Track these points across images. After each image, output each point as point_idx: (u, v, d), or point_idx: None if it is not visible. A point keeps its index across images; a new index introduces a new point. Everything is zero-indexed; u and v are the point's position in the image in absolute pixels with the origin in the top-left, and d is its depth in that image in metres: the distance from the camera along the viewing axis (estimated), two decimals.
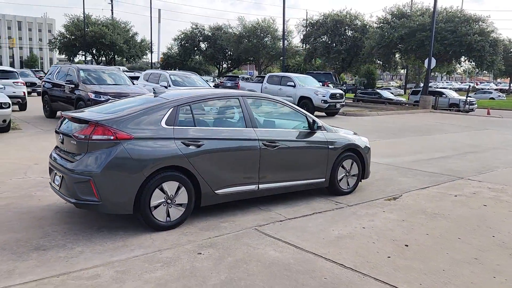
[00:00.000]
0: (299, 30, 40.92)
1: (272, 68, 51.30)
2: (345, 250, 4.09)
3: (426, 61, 24.01)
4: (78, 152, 4.30)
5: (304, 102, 18.21)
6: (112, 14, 52.43)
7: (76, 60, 53.12)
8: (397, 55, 33.31)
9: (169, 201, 4.45)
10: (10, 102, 10.89)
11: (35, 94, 25.00)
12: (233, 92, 6.03)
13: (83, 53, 47.51)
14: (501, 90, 58.94)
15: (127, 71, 31.66)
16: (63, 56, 53.77)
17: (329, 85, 24.61)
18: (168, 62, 51.92)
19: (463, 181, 7.15)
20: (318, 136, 5.75)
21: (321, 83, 22.54)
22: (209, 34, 50.71)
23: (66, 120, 4.72)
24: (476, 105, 28.25)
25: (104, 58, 49.52)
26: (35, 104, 17.27)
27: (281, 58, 36.40)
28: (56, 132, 4.80)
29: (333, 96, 18.12)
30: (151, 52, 50.15)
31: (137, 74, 23.12)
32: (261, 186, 5.18)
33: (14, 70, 19.40)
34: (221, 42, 47.33)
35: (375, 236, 4.51)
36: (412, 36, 26.38)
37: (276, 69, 49.22)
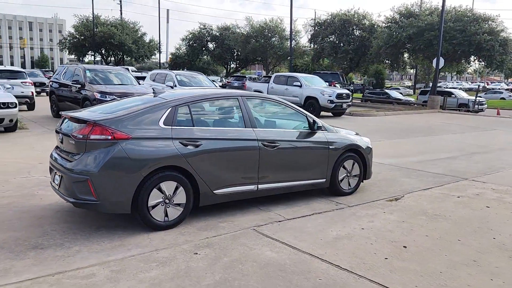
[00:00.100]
0: (306, 30, 40.78)
1: (280, 68, 51.24)
2: (342, 251, 4.07)
3: (434, 61, 23.80)
4: (77, 151, 4.33)
5: (311, 102, 18.18)
6: (121, 14, 52.95)
7: (86, 60, 53.63)
8: (405, 55, 33.09)
9: (167, 201, 4.46)
10: (17, 102, 11.00)
11: (44, 94, 25.24)
12: (232, 92, 6.03)
13: (92, 53, 47.90)
14: None
15: (135, 71, 31.91)
16: (73, 56, 54.32)
17: (336, 85, 24.50)
18: (176, 62, 52.12)
19: (467, 182, 7.07)
20: (319, 136, 5.73)
21: (328, 83, 22.46)
22: (217, 34, 50.82)
23: (67, 120, 4.76)
24: (486, 105, 27.95)
25: (113, 58, 49.88)
26: (44, 104, 17.43)
27: (289, 58, 36.34)
28: (57, 132, 4.84)
29: (339, 96, 18.05)
30: (159, 52, 50.43)
31: (144, 74, 23.23)
32: (260, 186, 5.18)
33: (23, 70, 19.62)
34: (228, 42, 47.38)
35: (374, 237, 4.48)
36: (420, 36, 26.18)
37: (284, 69, 49.14)
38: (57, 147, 4.90)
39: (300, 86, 18.87)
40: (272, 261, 3.80)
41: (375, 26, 34.30)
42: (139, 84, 14.52)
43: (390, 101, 28.64)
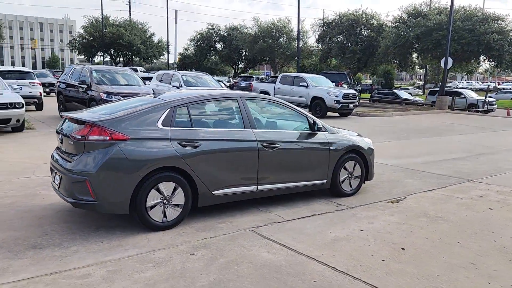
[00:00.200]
0: (314, 30, 40.66)
1: (288, 68, 51.16)
2: (339, 253, 4.05)
3: (443, 61, 23.58)
4: (76, 152, 4.36)
5: (317, 102, 18.14)
6: (130, 15, 53.23)
7: (96, 60, 54.05)
8: (414, 55, 32.83)
9: (165, 201, 4.48)
10: (24, 102, 11.12)
11: (53, 94, 25.47)
12: (232, 93, 6.04)
13: (101, 54, 48.25)
14: None
15: (144, 72, 32.07)
16: (83, 57, 54.78)
17: (343, 85, 24.41)
18: (184, 63, 52.31)
19: (471, 184, 7.00)
20: (319, 137, 5.71)
21: (335, 83, 22.38)
22: (225, 34, 50.90)
23: (67, 120, 4.80)
24: (496, 106, 27.61)
25: (122, 59, 50.21)
26: (52, 104, 17.58)
27: (296, 58, 36.27)
28: (57, 132, 4.89)
29: (346, 96, 17.97)
30: (168, 53, 50.62)
31: (151, 75, 23.34)
32: (260, 187, 5.17)
33: (31, 70, 19.84)
34: (236, 43, 47.42)
35: (372, 239, 4.45)
36: (429, 36, 25.95)
37: (292, 69, 49.05)
38: (57, 148, 4.94)
39: (307, 87, 18.83)
40: (268, 263, 3.80)
41: (383, 26, 34.08)
42: (145, 84, 14.59)
43: (399, 102, 28.46)
